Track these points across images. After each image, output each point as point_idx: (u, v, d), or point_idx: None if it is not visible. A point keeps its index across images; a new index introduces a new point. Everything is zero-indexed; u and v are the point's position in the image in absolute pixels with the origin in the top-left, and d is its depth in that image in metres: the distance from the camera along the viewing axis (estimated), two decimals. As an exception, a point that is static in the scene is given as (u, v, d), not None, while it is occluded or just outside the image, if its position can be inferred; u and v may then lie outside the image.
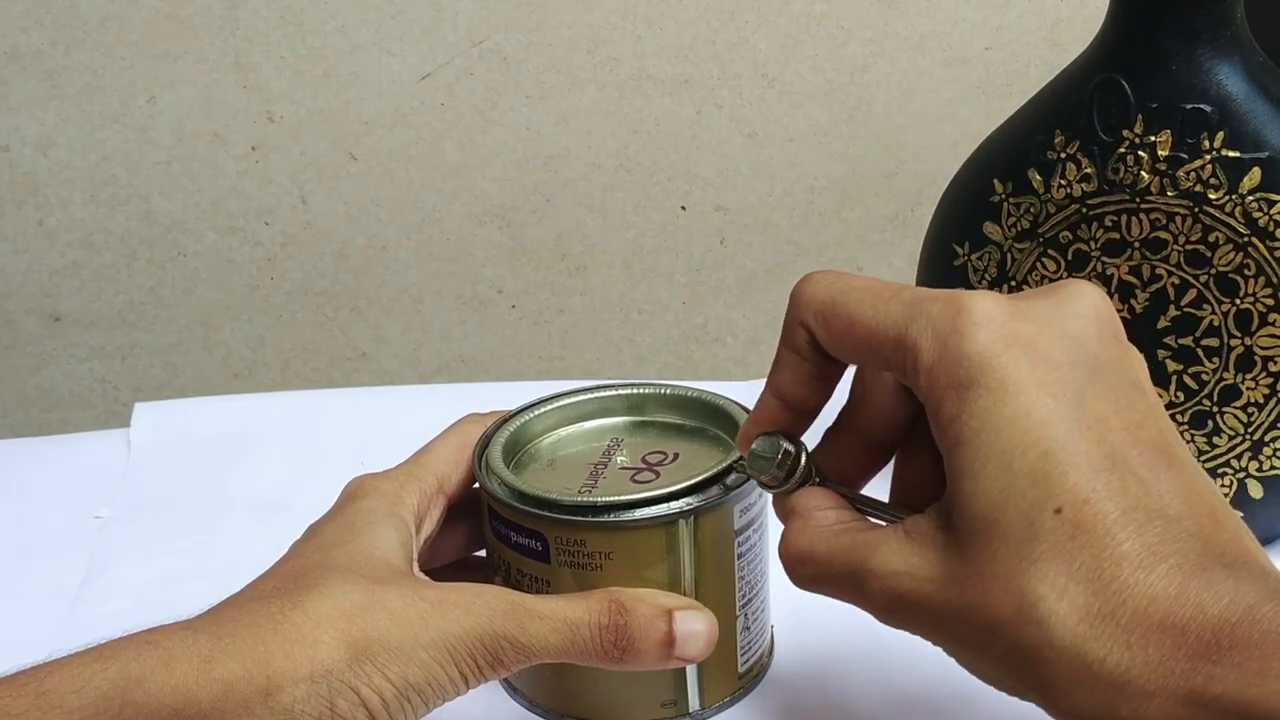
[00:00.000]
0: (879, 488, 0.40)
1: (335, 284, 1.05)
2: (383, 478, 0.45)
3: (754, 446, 0.40)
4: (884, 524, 0.37)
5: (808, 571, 0.37)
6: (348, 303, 1.06)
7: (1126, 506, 0.32)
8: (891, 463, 0.40)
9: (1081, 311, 0.35)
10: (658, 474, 0.45)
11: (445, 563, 0.48)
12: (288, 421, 0.67)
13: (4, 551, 0.58)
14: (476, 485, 0.46)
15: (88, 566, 0.56)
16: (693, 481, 0.43)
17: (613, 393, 0.49)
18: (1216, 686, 0.29)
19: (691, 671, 0.45)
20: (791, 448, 0.39)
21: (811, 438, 0.40)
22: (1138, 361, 0.36)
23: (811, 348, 0.37)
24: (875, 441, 0.39)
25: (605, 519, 0.42)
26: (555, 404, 0.48)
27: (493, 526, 0.44)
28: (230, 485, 0.62)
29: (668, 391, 0.49)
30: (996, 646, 0.32)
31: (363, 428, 0.65)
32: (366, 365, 1.08)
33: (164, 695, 0.35)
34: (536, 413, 0.48)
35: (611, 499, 0.43)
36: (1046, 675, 0.31)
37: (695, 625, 0.41)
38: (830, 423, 0.40)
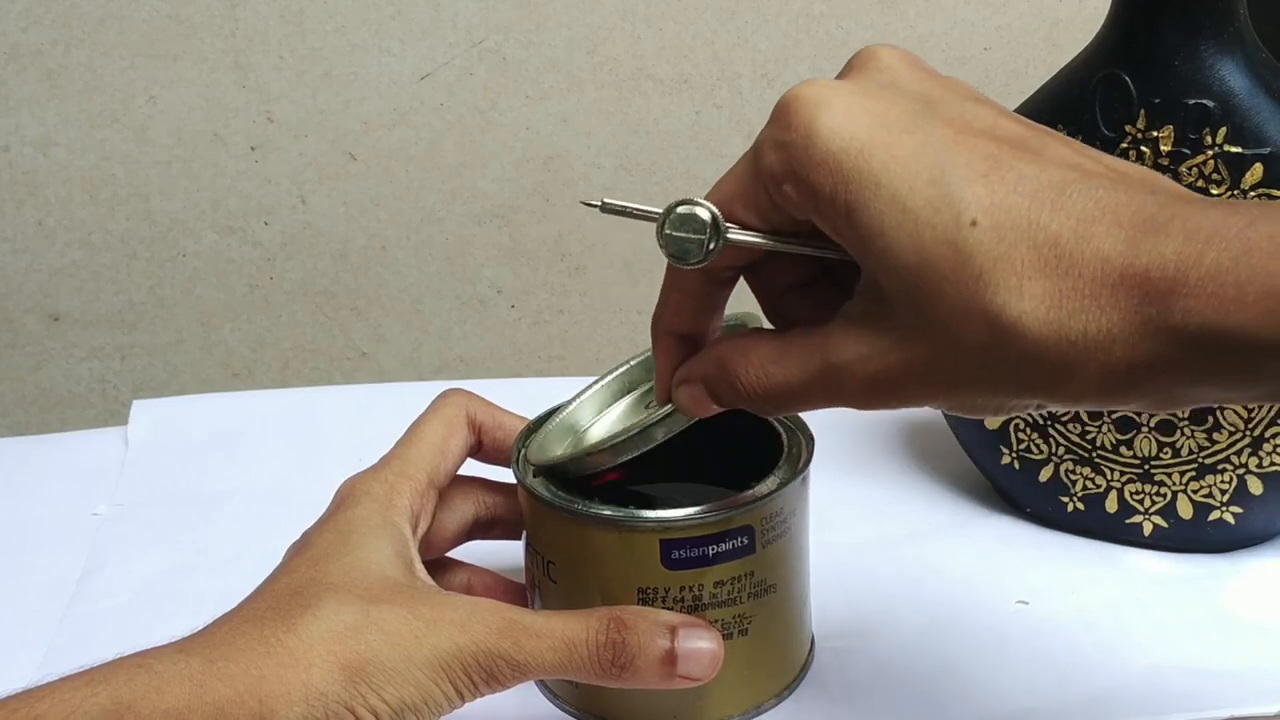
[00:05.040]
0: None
1: (335, 284, 1.05)
2: (374, 480, 0.44)
3: (674, 213, 0.38)
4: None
5: (778, 399, 0.37)
6: (347, 303, 1.06)
7: (1033, 191, 0.32)
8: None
9: (884, 66, 0.36)
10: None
11: (439, 554, 0.48)
12: (285, 418, 0.67)
13: (2, 548, 0.58)
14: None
15: (86, 563, 0.56)
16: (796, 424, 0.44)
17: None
18: (1195, 319, 0.29)
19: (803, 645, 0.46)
20: (707, 214, 0.37)
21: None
22: (961, 84, 0.36)
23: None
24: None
25: (793, 477, 0.43)
26: (558, 419, 0.48)
27: (673, 558, 0.42)
28: (227, 482, 0.62)
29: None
30: (989, 370, 0.32)
31: (360, 424, 0.65)
32: (366, 365, 1.08)
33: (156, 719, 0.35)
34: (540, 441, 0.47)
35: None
36: (1045, 374, 0.31)
37: (700, 643, 0.40)
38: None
